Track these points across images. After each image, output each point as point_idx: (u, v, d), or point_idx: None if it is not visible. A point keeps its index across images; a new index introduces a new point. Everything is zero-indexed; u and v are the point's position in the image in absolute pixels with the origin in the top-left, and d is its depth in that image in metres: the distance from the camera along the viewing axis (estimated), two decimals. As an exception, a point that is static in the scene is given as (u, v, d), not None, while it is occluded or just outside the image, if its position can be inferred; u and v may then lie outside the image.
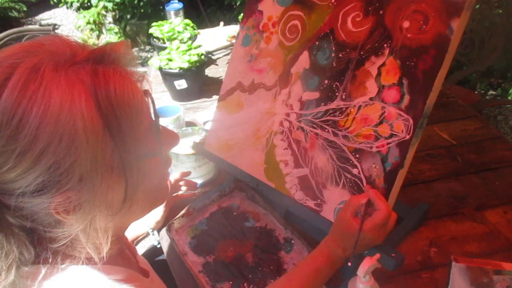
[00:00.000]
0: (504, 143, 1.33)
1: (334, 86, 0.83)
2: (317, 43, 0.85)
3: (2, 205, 0.46)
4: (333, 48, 0.83)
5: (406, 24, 0.74)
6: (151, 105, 0.55)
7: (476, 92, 2.80)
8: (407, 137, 0.73)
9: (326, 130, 0.83)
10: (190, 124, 1.45)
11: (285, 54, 0.91)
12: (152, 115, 0.55)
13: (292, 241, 0.95)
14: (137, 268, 0.71)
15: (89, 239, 0.51)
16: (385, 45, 0.76)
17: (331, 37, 0.83)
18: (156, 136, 0.53)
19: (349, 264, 0.70)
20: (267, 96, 0.93)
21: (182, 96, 1.60)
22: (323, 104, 0.84)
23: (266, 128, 0.93)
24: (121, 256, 0.64)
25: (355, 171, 0.80)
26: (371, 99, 0.78)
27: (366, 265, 0.68)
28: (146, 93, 0.54)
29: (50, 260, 0.52)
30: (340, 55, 0.82)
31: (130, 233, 1.01)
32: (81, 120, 0.43)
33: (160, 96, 1.66)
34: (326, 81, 0.84)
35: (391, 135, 0.75)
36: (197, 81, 1.56)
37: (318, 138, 0.85)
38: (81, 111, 0.43)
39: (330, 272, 0.77)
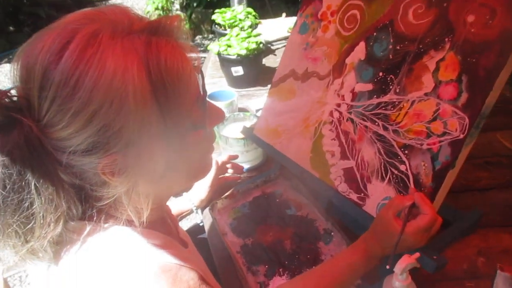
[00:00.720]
0: None
1: (388, 79, 0.80)
2: (374, 34, 0.83)
3: (55, 161, 0.49)
4: (391, 40, 0.81)
5: (471, 18, 0.70)
6: (200, 80, 0.56)
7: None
8: (461, 136, 0.70)
9: (376, 123, 0.82)
10: (242, 110, 1.47)
11: (341, 44, 0.89)
12: (201, 90, 0.56)
13: (332, 233, 0.94)
14: (177, 238, 0.74)
15: (131, 203, 0.53)
16: (446, 39, 0.73)
17: (389, 29, 0.81)
18: (202, 110, 0.55)
19: (387, 267, 0.68)
20: (320, 85, 0.92)
21: (238, 82, 1.62)
22: (375, 96, 0.82)
23: (316, 117, 0.93)
24: (162, 223, 0.67)
25: (402, 167, 0.77)
26: (426, 94, 0.75)
27: (404, 262, 0.66)
28: (197, 67, 0.56)
29: (95, 218, 0.56)
30: (398, 47, 0.79)
31: (175, 207, 1.05)
32: (132, 86, 0.46)
33: (217, 81, 1.70)
34: (380, 74, 0.82)
35: (444, 133, 0.72)
36: (254, 69, 1.58)
37: (367, 131, 0.83)
38: (133, 78, 0.46)
39: (366, 268, 0.76)
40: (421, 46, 0.76)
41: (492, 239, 0.97)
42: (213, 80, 1.72)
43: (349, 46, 0.88)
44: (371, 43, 0.84)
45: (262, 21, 2.02)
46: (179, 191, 0.65)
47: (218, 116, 0.60)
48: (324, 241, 0.93)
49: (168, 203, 1.07)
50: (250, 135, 1.08)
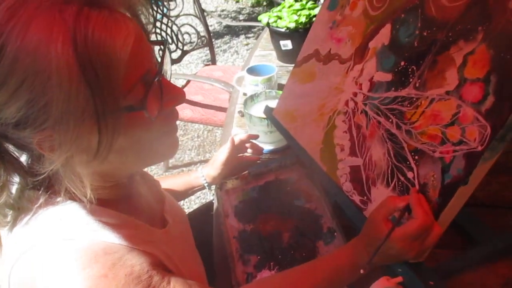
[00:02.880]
0: None
1: (409, 70, 0.69)
2: (402, 15, 0.71)
3: None
4: (419, 24, 0.68)
5: (513, 3, 0.56)
6: (156, 56, 0.51)
7: None
8: (479, 148, 0.58)
9: (390, 120, 0.71)
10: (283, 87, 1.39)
11: (367, 25, 0.78)
12: (156, 67, 0.51)
13: (335, 234, 0.86)
14: (153, 217, 0.71)
15: (71, 179, 0.51)
16: (479, 27, 0.60)
17: (419, 11, 0.68)
18: (146, 90, 0.50)
19: (361, 271, 0.60)
20: (340, 69, 0.82)
21: (287, 57, 1.54)
22: (393, 89, 0.71)
23: (332, 105, 0.83)
24: (125, 202, 0.65)
25: (410, 174, 0.67)
26: (447, 93, 0.63)
27: (380, 286, 0.58)
28: (159, 42, 0.51)
29: (49, 191, 0.55)
30: (425, 33, 0.67)
31: (186, 182, 1.03)
32: (56, 60, 0.42)
33: (267, 54, 1.63)
34: (402, 63, 0.70)
35: (460, 142, 0.60)
36: (301, 43, 1.48)
37: (380, 127, 0.73)
38: (57, 52, 0.42)
39: (352, 275, 0.68)
40: (450, 34, 0.63)
41: (527, 269, 0.82)
42: (263, 53, 1.65)
43: (374, 27, 0.76)
44: (398, 26, 0.72)
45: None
46: (135, 171, 0.62)
47: (174, 97, 0.55)
48: (324, 240, 0.85)
49: (179, 175, 1.05)
50: (269, 116, 1.01)
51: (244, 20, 4.77)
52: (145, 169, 0.83)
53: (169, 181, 1.01)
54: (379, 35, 0.75)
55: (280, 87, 1.39)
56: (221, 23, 4.61)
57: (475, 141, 0.59)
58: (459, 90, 0.61)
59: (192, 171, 1.06)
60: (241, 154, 1.07)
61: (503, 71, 0.56)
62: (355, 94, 0.78)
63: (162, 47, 0.52)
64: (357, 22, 0.80)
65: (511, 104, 0.55)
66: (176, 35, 2.31)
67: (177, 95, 0.55)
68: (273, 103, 1.11)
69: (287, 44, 1.47)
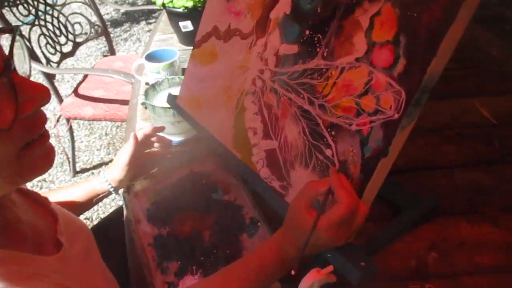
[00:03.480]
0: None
1: (315, 39, 0.63)
2: (301, -20, 0.65)
3: None
4: (320, -12, 0.62)
5: (413, -44, 0.52)
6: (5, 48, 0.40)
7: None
8: (396, 116, 0.54)
9: (302, 95, 0.65)
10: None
11: (265, -7, 0.71)
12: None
13: (259, 223, 0.80)
14: (37, 244, 0.59)
15: None
16: (382, -14, 0.55)
17: (318, -27, 0.63)
18: None
19: (292, 272, 0.54)
20: (242, 46, 0.75)
21: (189, 39, 1.43)
22: (301, 61, 0.65)
23: (238, 85, 0.76)
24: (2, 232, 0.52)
25: (328, 152, 0.62)
26: (357, 60, 0.58)
27: (310, 279, 0.52)
28: None
29: None
30: (327, -3, 0.61)
31: (88, 190, 0.90)
32: None
33: (168, 38, 1.51)
34: (307, 32, 0.64)
35: (376, 111, 0.56)
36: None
37: (292, 104, 0.67)
38: None
39: (282, 272, 0.62)
40: (353, -4, 0.58)
41: (450, 229, 0.82)
42: (163, 37, 1.53)
43: (273, -4, 0.70)
44: (298, -8, 0.66)
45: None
46: (3, 194, 0.50)
47: (33, 97, 0.43)
48: (248, 233, 0.79)
49: (79, 183, 0.92)
50: (174, 104, 0.91)
51: (143, 5, 4.51)
52: (47, 177, 0.70)
53: (67, 193, 0.87)
54: (280, 4, 0.68)
55: (184, 72, 1.28)
56: (119, 10, 4.32)
57: (391, 109, 0.55)
58: (368, 56, 0.57)
59: (94, 176, 0.93)
60: (148, 150, 0.96)
61: (412, 31, 0.52)
62: (261, 72, 0.71)
63: (12, 37, 0.40)
64: (255, -8, 0.73)
65: (423, 65, 0.51)
66: (65, 26, 2.08)
67: (36, 93, 0.43)
68: (177, 90, 1.01)
69: (187, 25, 1.37)
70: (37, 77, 2.46)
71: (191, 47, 1.35)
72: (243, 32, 0.75)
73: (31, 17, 1.92)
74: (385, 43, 0.55)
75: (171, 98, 0.93)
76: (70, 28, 2.10)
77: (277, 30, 0.69)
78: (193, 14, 1.34)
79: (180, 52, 1.31)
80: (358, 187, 0.58)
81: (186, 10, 1.32)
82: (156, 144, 0.97)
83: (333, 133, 0.61)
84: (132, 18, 4.22)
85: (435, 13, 0.50)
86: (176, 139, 1.03)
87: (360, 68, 0.58)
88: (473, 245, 0.79)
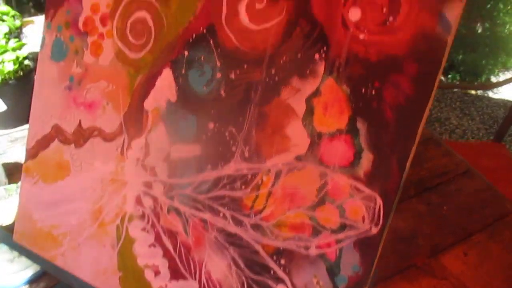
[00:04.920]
0: (437, 145, 1.08)
1: (226, 134, 0.44)
2: (186, 53, 0.45)
3: None
4: (217, 63, 0.44)
5: (354, 14, 0.37)
6: None
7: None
8: (374, 230, 0.38)
9: (221, 214, 0.45)
10: (13, 168, 0.95)
11: (130, 75, 0.49)
12: None
13: None
14: None
15: None
16: (316, 55, 0.39)
17: (211, 42, 0.44)
18: None
19: None
20: (108, 150, 0.51)
21: (5, 121, 1.08)
22: (210, 167, 0.45)
23: (114, 207, 0.52)
24: None
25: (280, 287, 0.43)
26: (298, 158, 0.41)
27: None
28: None
29: None
30: (232, 75, 0.43)
31: None
32: None
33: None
34: (211, 125, 0.45)
35: (343, 227, 0.40)
36: (22, 98, 1.06)
37: (208, 228, 0.46)
38: None
39: None
40: (273, 71, 0.41)
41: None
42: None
43: (144, 78, 0.48)
44: (183, 71, 0.46)
45: (33, 18, 1.46)
46: None
47: None
48: None
49: None
50: (8, 241, 0.61)
51: None
52: None
53: None
54: (157, 89, 0.47)
55: (9, 168, 0.94)
56: None
57: (364, 222, 0.39)
58: (315, 152, 0.40)
59: None
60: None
61: (373, 114, 0.37)
62: (148, 185, 0.49)
63: None
64: (113, 73, 0.50)
65: (400, 157, 0.37)
66: None
67: None
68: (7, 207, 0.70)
69: (-2, 105, 1.03)
70: None
71: (12, 130, 1.03)
72: (105, 131, 0.51)
73: None
74: (336, 133, 0.39)
75: (2, 234, 0.62)
76: None
77: (162, 125, 0.47)
78: (4, 90, 1.01)
79: (-3, 142, 0.96)
80: (340, 334, 0.41)
81: (-7, 87, 0.98)
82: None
83: (282, 262, 0.43)
84: None
85: (404, 86, 0.36)
86: (22, 276, 0.71)
87: (305, 169, 0.41)
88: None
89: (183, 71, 0.45)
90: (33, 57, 1.11)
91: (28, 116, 0.89)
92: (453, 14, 0.34)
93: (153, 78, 0.47)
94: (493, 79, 2.72)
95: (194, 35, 0.44)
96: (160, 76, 0.47)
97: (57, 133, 0.54)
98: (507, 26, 2.83)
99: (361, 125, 0.38)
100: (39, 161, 0.57)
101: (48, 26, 0.53)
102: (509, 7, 2.83)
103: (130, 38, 0.48)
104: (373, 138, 0.38)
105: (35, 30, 1.46)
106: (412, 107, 0.36)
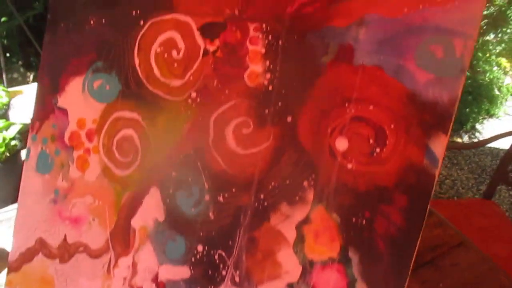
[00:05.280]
0: (429, 214, 1.07)
1: (216, 257, 0.43)
2: (173, 174, 0.45)
3: None
4: (205, 185, 0.43)
5: (341, 144, 0.37)
6: None
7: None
8: None
9: None
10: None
11: (116, 192, 0.48)
12: None
13: None
14: None
15: None
16: (305, 182, 0.39)
17: (198, 164, 0.43)
18: None
19: None
20: (94, 267, 0.50)
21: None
22: (199, 290, 0.44)
23: (100, 327, 0.49)
24: None
25: None
26: (290, 286, 0.40)
27: None
28: None
29: None
30: (221, 198, 0.42)
31: None
32: None
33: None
34: (199, 248, 0.44)
35: None
36: (9, 180, 1.05)
37: None
38: None
39: None
40: (262, 196, 0.41)
41: None
42: None
43: (132, 195, 0.47)
44: (171, 191, 0.45)
45: (22, 88, 1.47)
46: None
47: None
48: None
49: None
50: None
51: None
52: None
53: None
54: (145, 207, 0.46)
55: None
56: None
57: None
58: (307, 280, 0.39)
59: None
60: None
61: (365, 243, 0.37)
62: (136, 306, 0.47)
63: None
64: (99, 189, 0.49)
65: (397, 285, 0.36)
66: None
67: None
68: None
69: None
70: None
71: None
72: (91, 247, 0.49)
73: None
74: (329, 262, 0.38)
75: None
76: None
77: (149, 244, 0.46)
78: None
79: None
80: None
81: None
82: None
83: None
84: None
85: (393, 219, 0.36)
86: None
87: (298, 298, 0.39)
88: None
89: (171, 191, 0.45)
90: (20, 136, 1.10)
91: (16, 197, 0.87)
92: (439, 147, 0.34)
93: (141, 196, 0.46)
94: (478, 127, 2.77)
95: (181, 156, 0.44)
96: (148, 194, 0.46)
97: (41, 246, 0.53)
98: (487, 74, 2.92)
99: (353, 255, 0.37)
100: (23, 275, 0.55)
101: (33, 138, 0.53)
102: (487, 55, 2.92)
103: (117, 155, 0.47)
104: (366, 270, 0.37)
105: (24, 101, 1.46)
106: (404, 238, 0.35)
